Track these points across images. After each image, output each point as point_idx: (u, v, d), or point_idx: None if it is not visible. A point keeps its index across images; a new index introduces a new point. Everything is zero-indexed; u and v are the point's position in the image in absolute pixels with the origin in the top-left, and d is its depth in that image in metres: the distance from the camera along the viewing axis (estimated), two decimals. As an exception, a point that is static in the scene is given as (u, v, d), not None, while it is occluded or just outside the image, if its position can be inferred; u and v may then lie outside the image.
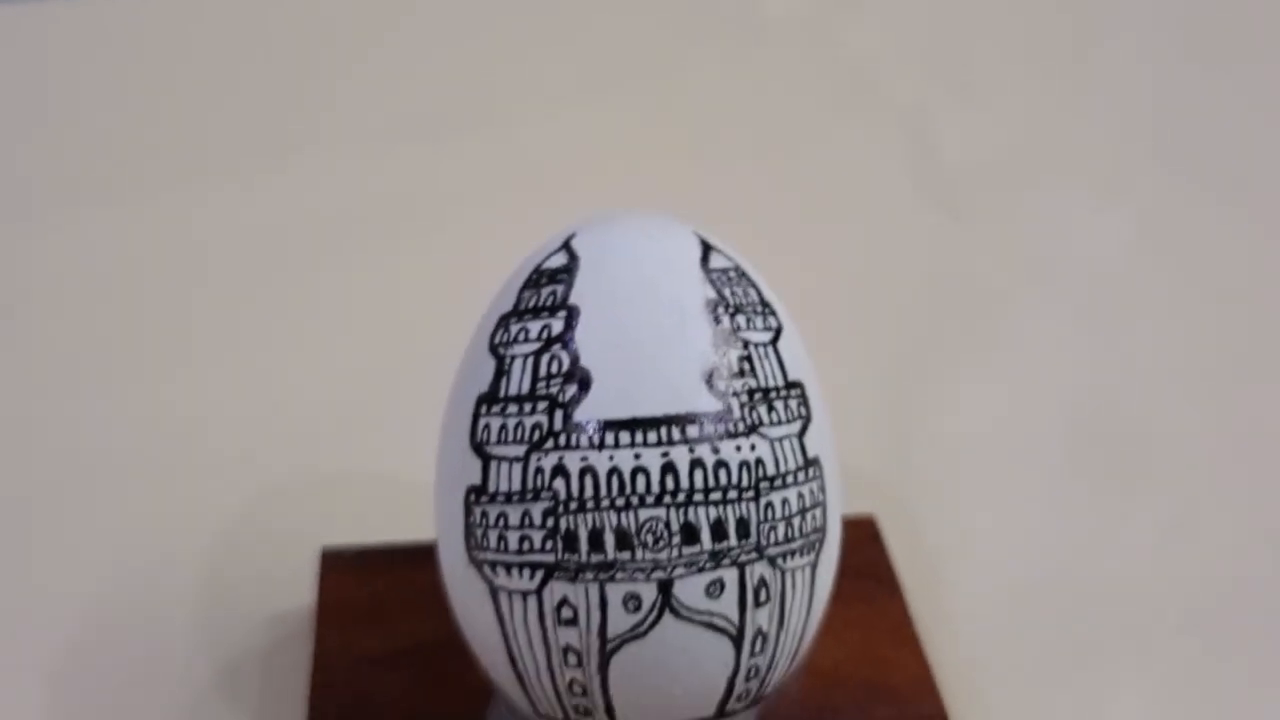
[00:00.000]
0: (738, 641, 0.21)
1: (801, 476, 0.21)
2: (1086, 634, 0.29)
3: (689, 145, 0.47)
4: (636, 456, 0.20)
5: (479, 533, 0.21)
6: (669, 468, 0.20)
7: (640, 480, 0.20)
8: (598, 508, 0.20)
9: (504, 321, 0.22)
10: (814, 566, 0.21)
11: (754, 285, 0.22)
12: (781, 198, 0.46)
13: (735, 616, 0.21)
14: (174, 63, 0.49)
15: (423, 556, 0.25)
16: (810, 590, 0.21)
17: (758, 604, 0.21)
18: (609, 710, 0.21)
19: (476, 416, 0.21)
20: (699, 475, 0.20)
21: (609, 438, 0.20)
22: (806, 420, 0.22)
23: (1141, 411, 0.35)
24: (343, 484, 0.30)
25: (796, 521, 0.21)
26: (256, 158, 0.44)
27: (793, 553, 0.21)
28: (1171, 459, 0.34)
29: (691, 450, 0.20)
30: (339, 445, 0.32)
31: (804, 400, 0.22)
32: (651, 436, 0.20)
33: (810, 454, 0.21)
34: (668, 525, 0.20)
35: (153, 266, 0.39)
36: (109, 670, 0.27)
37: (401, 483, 0.29)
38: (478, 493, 0.21)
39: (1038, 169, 0.46)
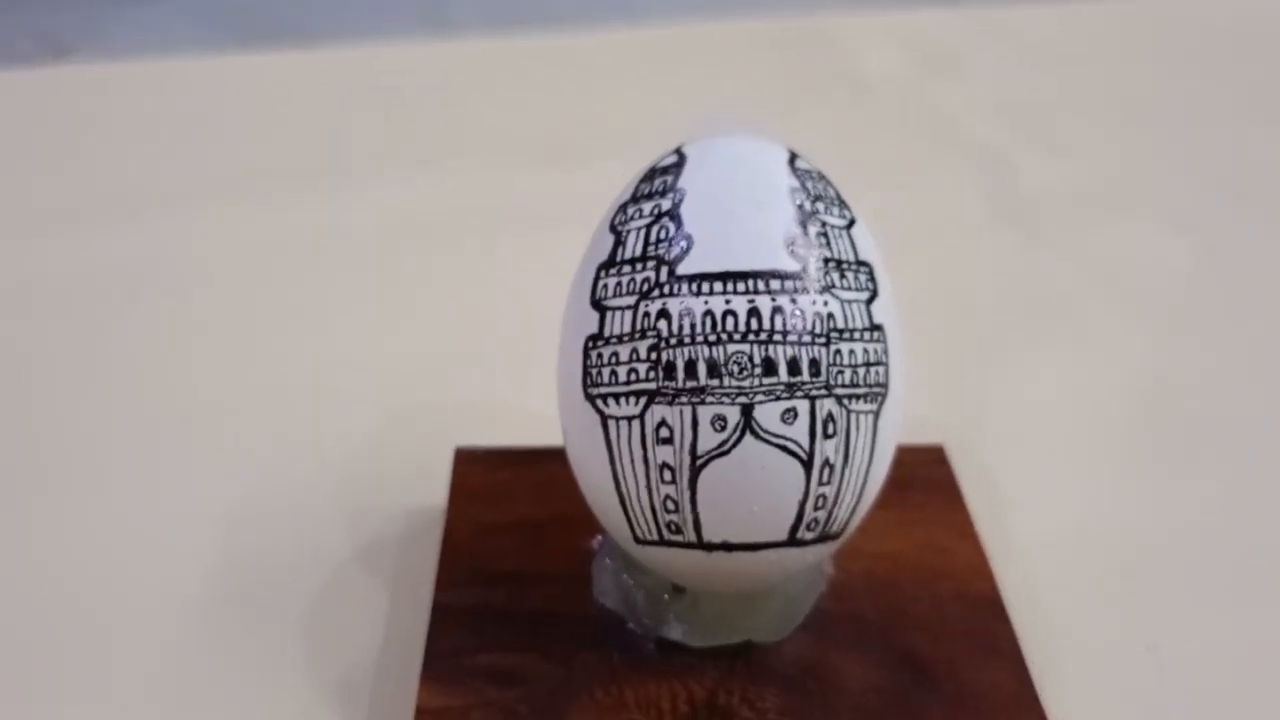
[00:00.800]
0: (808, 466, 0.24)
1: (867, 336, 0.25)
2: (1131, 563, 0.32)
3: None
4: (727, 302, 0.24)
5: (594, 372, 0.25)
6: (754, 311, 0.24)
7: (729, 320, 0.24)
8: (693, 342, 0.24)
9: (623, 207, 0.26)
10: (876, 415, 0.25)
11: (832, 186, 0.26)
12: (879, 222, 0.50)
13: (806, 443, 0.24)
14: (336, 93, 0.56)
15: (536, 457, 0.29)
16: (873, 435, 0.25)
17: (826, 435, 0.24)
18: (697, 526, 0.24)
19: (596, 280, 0.25)
20: (779, 319, 0.24)
21: (704, 286, 0.24)
22: (874, 293, 0.25)
23: (1191, 397, 0.38)
24: (476, 403, 0.35)
25: (861, 371, 0.24)
26: (397, 166, 0.50)
27: (857, 397, 0.24)
28: (1216, 439, 0.37)
29: (773, 299, 0.24)
30: (475, 372, 0.37)
31: (872, 277, 0.25)
32: (740, 286, 0.24)
33: (876, 320, 0.25)
34: (750, 358, 0.24)
35: (332, 242, 0.45)
36: (281, 554, 0.31)
37: (522, 403, 0.33)
38: (594, 339, 0.25)
39: (1108, 202, 0.50)
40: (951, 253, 0.47)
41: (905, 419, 0.33)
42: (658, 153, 0.57)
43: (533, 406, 0.30)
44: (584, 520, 0.27)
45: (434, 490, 0.32)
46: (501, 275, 0.43)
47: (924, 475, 0.31)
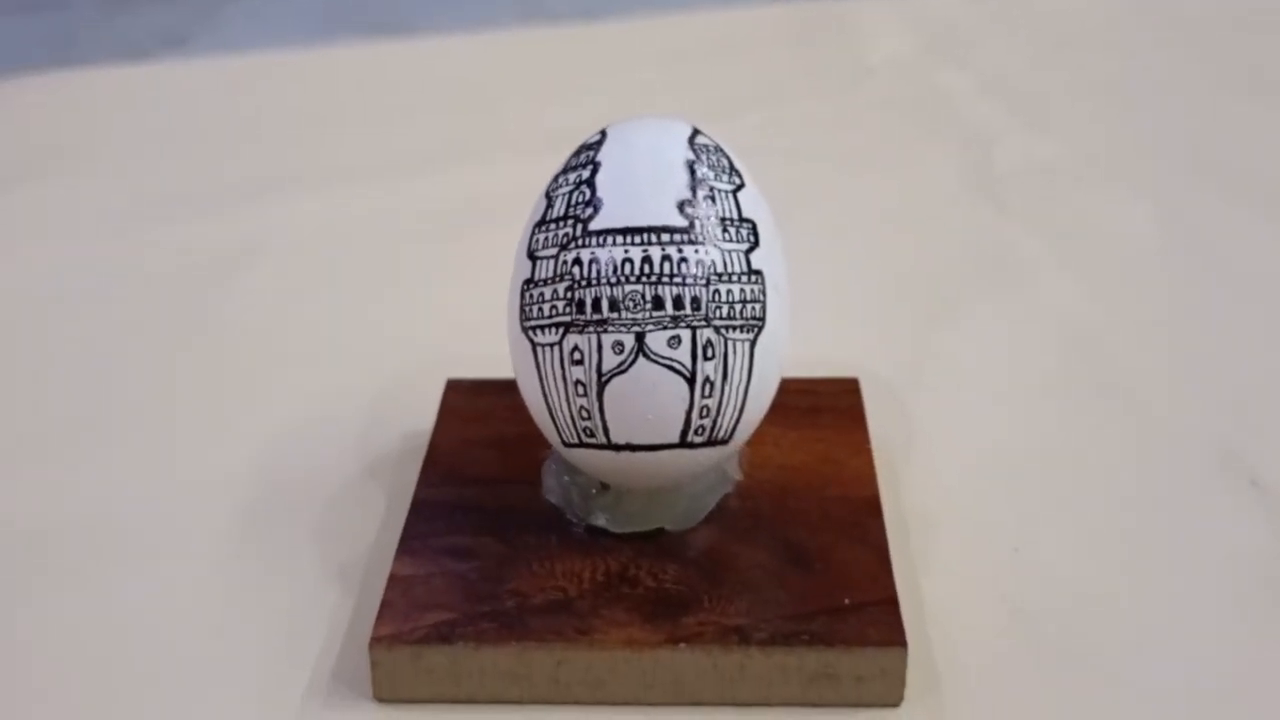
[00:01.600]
0: (690, 382, 0.30)
1: (745, 279, 0.30)
2: (1011, 483, 0.37)
3: (791, 151, 0.57)
4: (625, 251, 0.30)
5: (527, 309, 0.31)
6: (646, 259, 0.30)
7: (627, 266, 0.30)
8: (599, 283, 0.30)
9: (555, 177, 0.32)
10: (753, 343, 0.31)
11: (727, 157, 0.32)
12: (862, 186, 0.55)
13: (689, 364, 0.30)
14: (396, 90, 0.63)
15: (513, 387, 0.35)
16: (750, 359, 0.30)
17: (706, 358, 0.30)
18: (605, 431, 0.30)
19: (532, 236, 0.31)
20: (667, 265, 0.30)
21: (609, 239, 0.30)
22: (754, 244, 0.31)
23: (1115, 356, 0.43)
24: (473, 360, 0.41)
25: (739, 307, 0.30)
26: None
27: (734, 328, 0.30)
28: (1116, 390, 0.41)
29: (663, 249, 0.30)
30: (475, 341, 0.43)
31: (754, 232, 0.31)
32: (637, 239, 0.30)
33: (754, 266, 0.31)
34: (643, 296, 0.30)
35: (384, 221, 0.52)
36: (302, 461, 0.39)
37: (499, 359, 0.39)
38: (528, 282, 0.31)
39: (1077, 176, 0.55)
40: (923, 222, 0.52)
41: (837, 364, 0.39)
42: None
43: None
44: (543, 437, 0.33)
45: (425, 419, 0.39)
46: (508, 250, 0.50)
47: (835, 404, 0.37)
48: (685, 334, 0.30)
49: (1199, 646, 0.32)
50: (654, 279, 0.30)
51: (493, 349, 0.38)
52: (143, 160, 0.59)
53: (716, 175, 0.31)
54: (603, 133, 0.32)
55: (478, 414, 0.37)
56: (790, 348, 0.33)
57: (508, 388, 0.36)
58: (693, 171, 0.31)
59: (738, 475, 0.34)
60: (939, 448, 0.39)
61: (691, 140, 0.32)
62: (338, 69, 0.68)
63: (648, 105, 0.61)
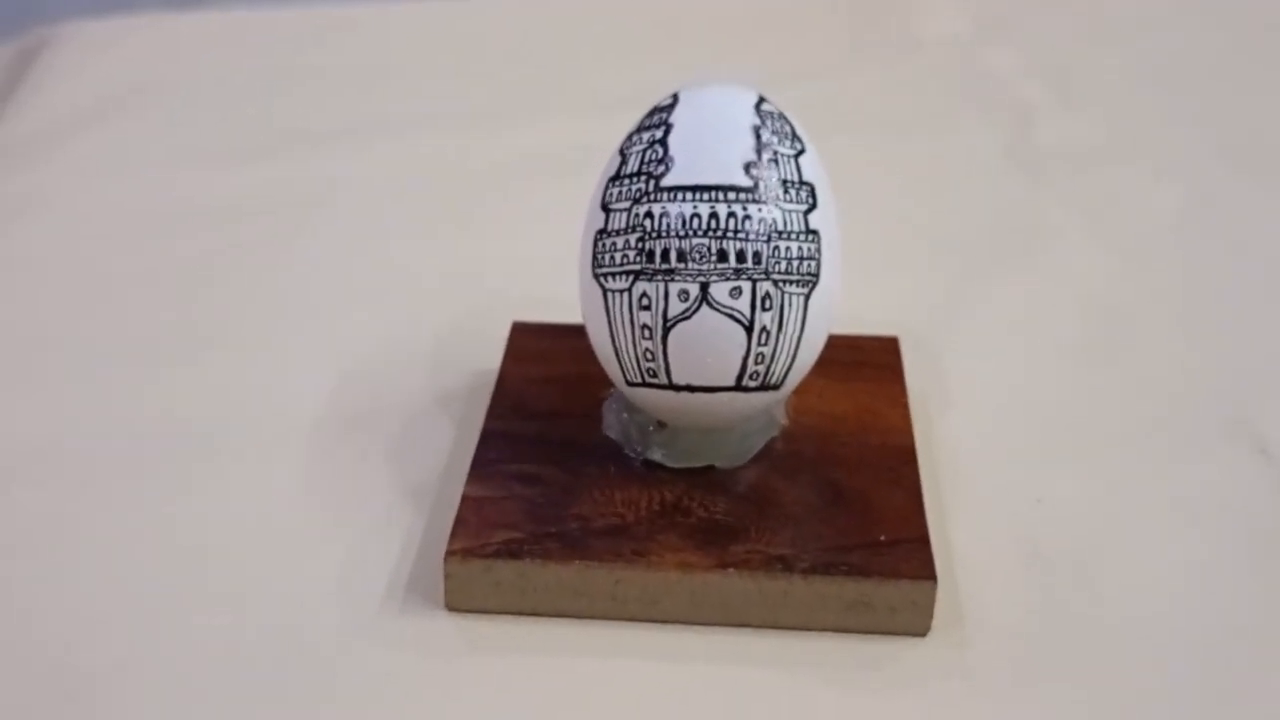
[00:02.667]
0: (749, 330, 0.33)
1: (803, 238, 0.33)
2: (1039, 436, 0.40)
3: (844, 124, 0.59)
4: (694, 207, 0.32)
5: (600, 256, 0.33)
6: (714, 215, 0.32)
7: (695, 221, 0.32)
8: (668, 235, 0.32)
9: (630, 136, 0.34)
10: (807, 298, 0.33)
11: (790, 124, 0.34)
12: (910, 158, 0.57)
13: (748, 314, 0.32)
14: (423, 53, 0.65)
15: (576, 331, 0.37)
16: (804, 312, 0.33)
17: (764, 309, 0.33)
18: (668, 372, 0.33)
19: (606, 189, 0.34)
20: (732, 221, 0.32)
21: (679, 195, 0.33)
22: (812, 206, 0.33)
23: (1135, 324, 0.46)
24: (540, 302, 0.43)
25: (796, 264, 0.33)
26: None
27: (791, 282, 0.33)
28: (1151, 348, 0.44)
29: (729, 207, 0.32)
30: (544, 283, 0.46)
31: (813, 194, 0.33)
32: (705, 196, 0.33)
33: (812, 226, 0.33)
34: (709, 249, 0.32)
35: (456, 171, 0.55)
36: (377, 392, 0.41)
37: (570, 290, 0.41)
38: (601, 233, 0.34)
39: (1113, 155, 0.57)
40: (961, 193, 0.55)
41: (879, 323, 0.41)
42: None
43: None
44: (604, 377, 0.36)
45: (494, 358, 0.41)
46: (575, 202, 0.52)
47: (876, 360, 0.40)
48: (746, 286, 0.33)
49: (1200, 594, 0.35)
50: (719, 233, 0.33)
51: (555, 292, 0.41)
52: (217, 106, 0.61)
53: (780, 140, 0.34)
54: (675, 96, 0.35)
55: (542, 354, 0.40)
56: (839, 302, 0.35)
57: (570, 331, 0.39)
58: (758, 135, 0.33)
59: (784, 420, 0.37)
60: (971, 402, 0.41)
61: (758, 106, 0.34)
62: (400, 24, 0.70)
63: (701, 72, 0.63)
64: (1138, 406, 0.42)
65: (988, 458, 0.39)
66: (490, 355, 0.41)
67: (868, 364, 0.39)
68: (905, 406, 0.38)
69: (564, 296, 0.38)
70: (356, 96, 0.62)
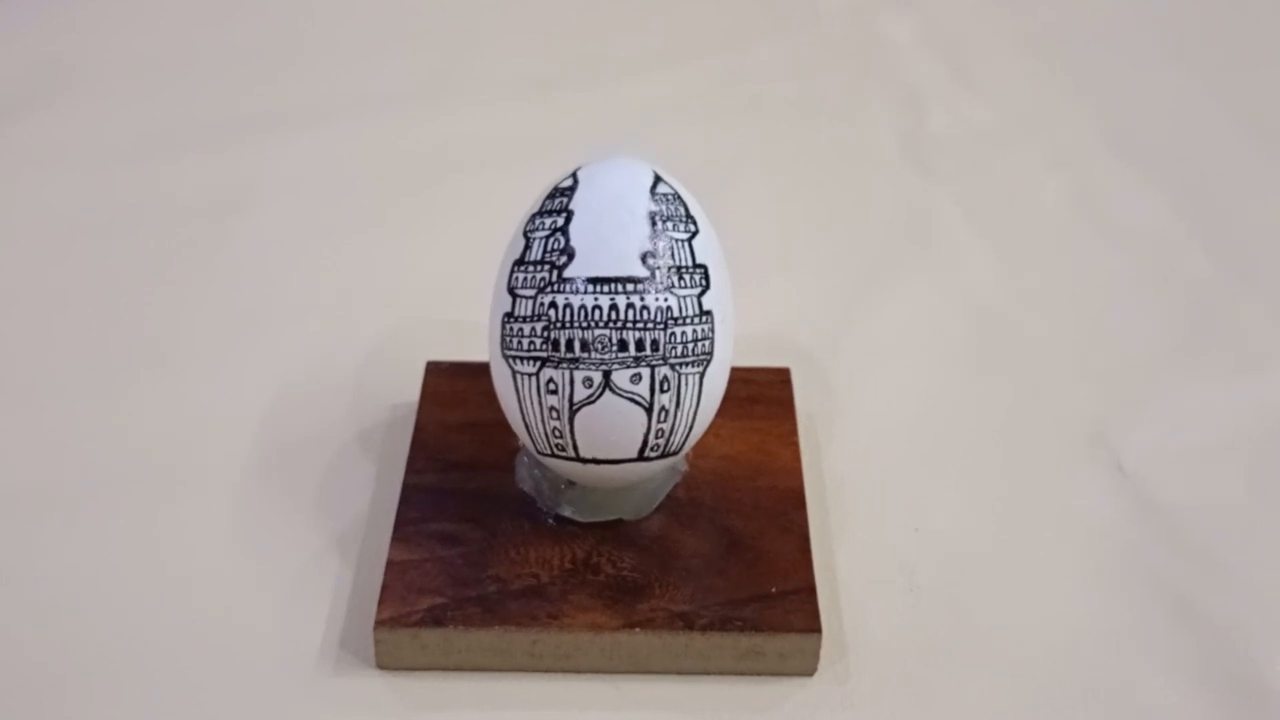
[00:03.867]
0: (649, 411, 0.35)
1: (697, 320, 0.35)
2: (916, 466, 0.43)
3: (731, 102, 0.61)
4: (595, 299, 0.34)
5: (508, 339, 0.36)
6: (614, 306, 0.35)
7: (597, 313, 0.35)
8: (572, 325, 0.35)
9: (532, 217, 0.36)
10: (702, 375, 0.36)
11: (684, 204, 0.36)
12: (798, 147, 0.59)
13: (648, 396, 0.35)
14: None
15: (485, 370, 0.39)
16: (699, 390, 0.36)
17: (662, 391, 0.35)
18: (575, 448, 0.36)
19: (512, 272, 0.36)
20: (630, 312, 0.34)
21: (583, 286, 0.35)
22: (705, 288, 0.36)
23: (1015, 333, 0.49)
24: (453, 328, 0.45)
25: (691, 346, 0.35)
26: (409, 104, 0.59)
27: (687, 364, 0.35)
28: (1027, 359, 0.47)
29: (628, 298, 0.34)
30: (457, 313, 0.47)
31: (706, 276, 0.36)
32: (605, 288, 0.35)
33: (705, 308, 0.35)
34: (610, 339, 0.34)
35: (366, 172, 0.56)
36: (300, 427, 0.43)
37: (479, 325, 0.43)
38: (508, 316, 0.36)
39: (1003, 143, 0.59)
40: (855, 187, 0.57)
41: (770, 340, 0.44)
42: (622, 87, 0.67)
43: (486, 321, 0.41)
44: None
45: (410, 389, 0.43)
46: (483, 208, 0.53)
47: (769, 394, 0.42)
48: (645, 371, 0.35)
49: (1066, 610, 0.39)
50: (619, 324, 0.35)
51: (471, 312, 0.42)
52: (124, 92, 0.61)
53: (674, 225, 0.36)
54: (574, 178, 0.36)
55: (457, 397, 0.42)
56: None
57: (482, 371, 0.41)
58: (654, 223, 0.35)
59: (684, 467, 0.40)
60: (855, 429, 0.44)
61: (653, 189, 0.36)
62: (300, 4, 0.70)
63: (608, 48, 0.64)
64: (1011, 422, 0.45)
65: (870, 488, 0.42)
66: (408, 391, 0.44)
67: (761, 399, 0.42)
68: (796, 446, 0.41)
69: (477, 320, 0.40)
70: (268, 82, 0.62)
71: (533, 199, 0.38)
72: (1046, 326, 0.49)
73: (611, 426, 0.35)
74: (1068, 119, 0.60)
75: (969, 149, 0.58)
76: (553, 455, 0.37)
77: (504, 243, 0.38)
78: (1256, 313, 0.50)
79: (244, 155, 0.56)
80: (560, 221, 0.36)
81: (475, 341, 0.43)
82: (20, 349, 0.47)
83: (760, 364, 0.43)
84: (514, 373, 0.36)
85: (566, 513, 0.38)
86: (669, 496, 0.39)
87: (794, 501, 0.39)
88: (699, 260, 0.36)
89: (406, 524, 0.38)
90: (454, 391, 0.42)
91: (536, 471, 0.39)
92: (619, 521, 0.38)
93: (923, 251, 0.52)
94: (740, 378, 0.41)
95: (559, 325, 0.35)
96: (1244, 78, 0.63)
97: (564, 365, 0.35)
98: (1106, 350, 0.48)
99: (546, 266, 0.35)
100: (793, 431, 0.41)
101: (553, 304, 0.35)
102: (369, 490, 0.41)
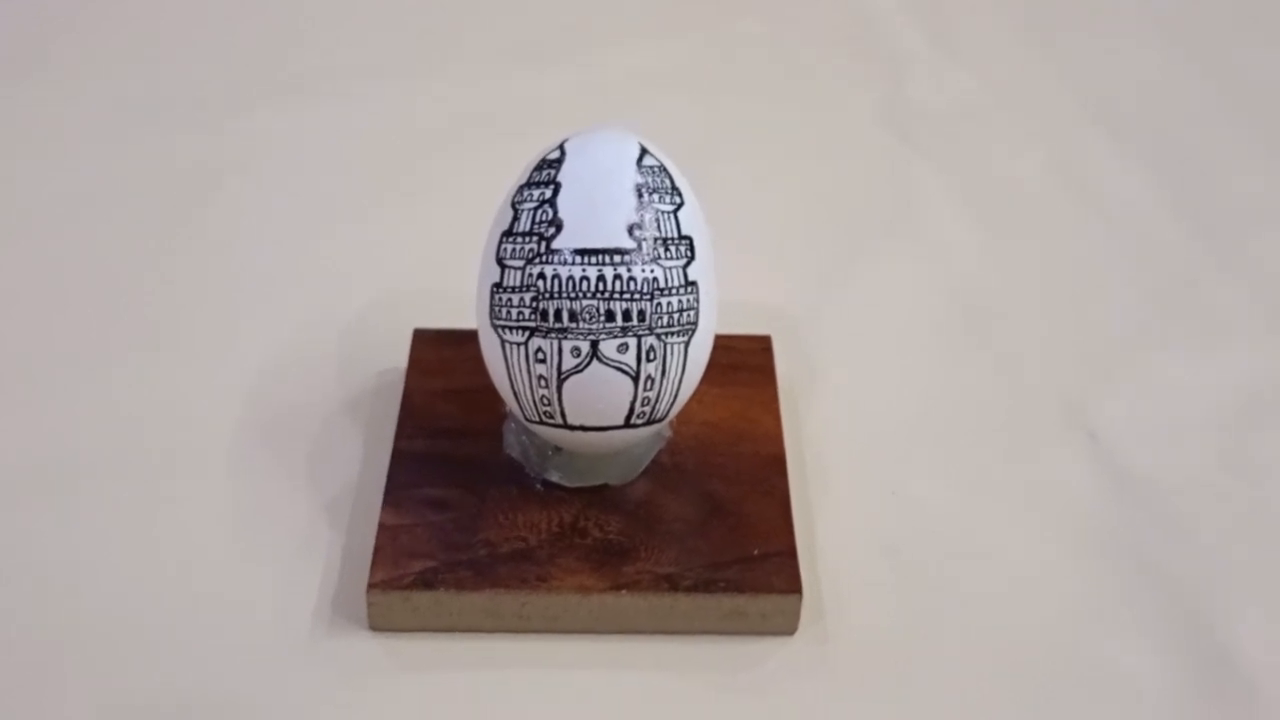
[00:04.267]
0: (635, 379, 0.36)
1: (682, 291, 0.36)
2: (892, 431, 0.44)
3: (716, 72, 0.61)
4: (583, 270, 0.35)
5: (496, 309, 0.36)
6: (601, 277, 0.35)
7: (585, 283, 0.35)
8: (560, 296, 0.35)
9: (520, 189, 0.37)
10: (686, 345, 0.37)
11: (669, 176, 0.37)
12: (781, 116, 0.60)
13: (634, 365, 0.36)
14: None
15: (472, 338, 0.40)
16: (684, 358, 0.37)
17: (648, 360, 0.36)
18: (563, 415, 0.37)
19: (500, 243, 0.36)
20: (618, 283, 0.35)
21: (571, 257, 0.35)
22: (690, 259, 0.36)
23: (991, 305, 0.50)
24: (438, 297, 0.46)
25: (676, 316, 0.36)
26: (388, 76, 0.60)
27: (672, 333, 0.36)
28: (1005, 332, 0.48)
29: (615, 269, 0.35)
30: (442, 282, 0.48)
31: (691, 247, 0.36)
32: (593, 259, 0.35)
33: (690, 279, 0.36)
34: (598, 310, 0.35)
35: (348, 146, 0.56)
36: (288, 396, 0.44)
37: (465, 294, 0.44)
38: (496, 286, 0.36)
39: (985, 115, 0.60)
40: (834, 159, 0.58)
41: (752, 308, 0.44)
42: (605, 59, 0.68)
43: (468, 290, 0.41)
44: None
45: (397, 356, 0.44)
46: (468, 179, 0.54)
47: (750, 361, 0.43)
48: (632, 341, 0.36)
49: (1041, 578, 0.40)
50: (607, 295, 0.36)
51: (454, 283, 0.43)
52: (106, 66, 0.60)
53: (660, 197, 0.36)
54: (561, 149, 0.37)
55: (444, 365, 0.43)
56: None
57: (468, 338, 0.42)
58: (640, 195, 0.36)
59: (668, 433, 0.41)
60: (835, 394, 0.45)
61: (639, 161, 0.37)
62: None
63: (590, 20, 0.64)
64: (988, 393, 0.46)
65: (848, 454, 0.43)
66: (394, 358, 0.44)
67: (743, 366, 0.43)
68: (776, 413, 0.42)
69: (463, 289, 0.41)
70: (252, 58, 0.61)
71: (518, 170, 0.38)
72: (1024, 298, 0.50)
73: (599, 395, 0.36)
74: (1049, 90, 0.61)
75: (950, 120, 0.59)
76: (541, 422, 0.37)
77: (489, 213, 0.39)
78: (1230, 287, 0.51)
79: (228, 129, 0.57)
80: (548, 193, 0.36)
81: (461, 310, 0.44)
82: (4, 326, 0.47)
83: (741, 331, 0.44)
84: (503, 342, 0.37)
85: (554, 478, 0.39)
86: (653, 462, 0.40)
87: (775, 467, 0.40)
88: (684, 232, 0.37)
89: (397, 489, 0.39)
90: (441, 359, 0.43)
91: (524, 438, 0.40)
92: (605, 486, 0.39)
93: (903, 220, 0.53)
94: (722, 345, 0.42)
95: (547, 295, 0.36)
96: (1226, 50, 0.64)
97: (552, 335, 0.36)
98: (1083, 322, 0.49)
99: (535, 238, 0.36)
100: (774, 398, 0.42)
101: (541, 274, 0.36)
102: (358, 457, 0.42)
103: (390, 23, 0.64)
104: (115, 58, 0.61)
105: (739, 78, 0.62)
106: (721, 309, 0.39)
